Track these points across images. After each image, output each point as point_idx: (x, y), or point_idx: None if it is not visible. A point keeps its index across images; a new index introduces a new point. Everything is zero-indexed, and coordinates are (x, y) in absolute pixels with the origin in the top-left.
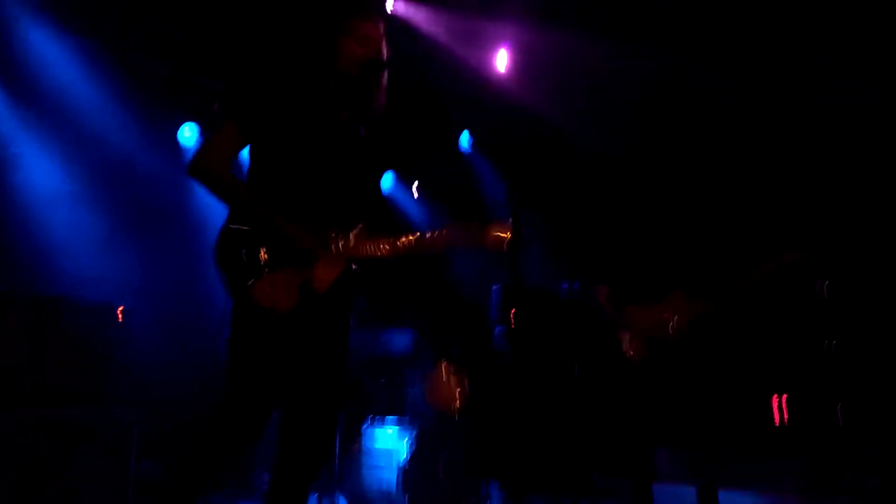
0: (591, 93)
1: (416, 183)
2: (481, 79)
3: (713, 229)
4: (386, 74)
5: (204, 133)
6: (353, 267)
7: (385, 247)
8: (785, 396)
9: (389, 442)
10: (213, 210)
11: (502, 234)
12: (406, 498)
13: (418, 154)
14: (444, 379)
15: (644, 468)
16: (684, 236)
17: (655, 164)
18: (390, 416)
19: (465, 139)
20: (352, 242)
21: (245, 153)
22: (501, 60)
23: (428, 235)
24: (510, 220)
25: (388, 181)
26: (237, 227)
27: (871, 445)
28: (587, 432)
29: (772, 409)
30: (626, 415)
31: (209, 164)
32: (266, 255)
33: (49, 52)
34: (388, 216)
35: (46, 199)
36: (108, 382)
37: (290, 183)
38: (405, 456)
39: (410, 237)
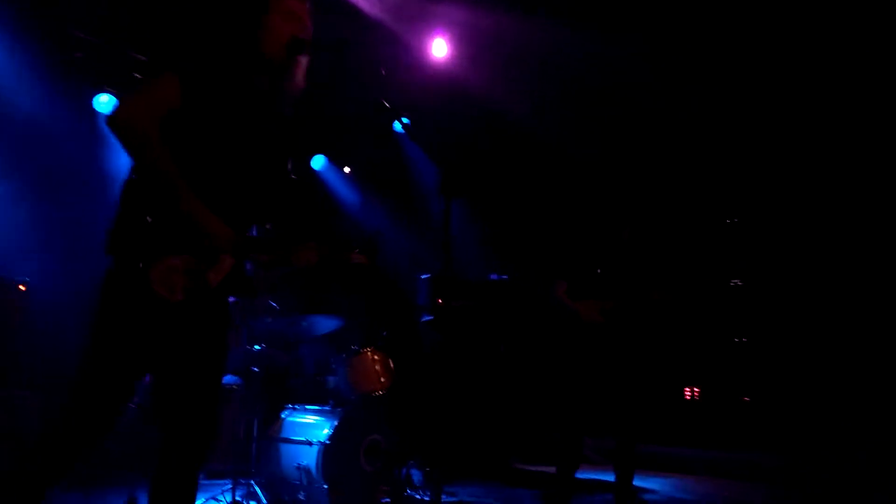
0: (532, 76)
1: (347, 167)
2: (418, 62)
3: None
4: (308, 54)
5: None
6: (240, 266)
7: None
8: (697, 389)
9: (310, 429)
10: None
11: (361, 259)
12: (326, 484)
13: (350, 138)
14: (369, 365)
15: (570, 455)
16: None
17: (597, 150)
18: (311, 405)
19: (398, 124)
20: (249, 241)
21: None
22: (439, 44)
23: (294, 255)
24: (368, 242)
25: (319, 163)
26: (139, 198)
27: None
28: (509, 420)
29: (684, 399)
30: (551, 403)
31: (137, 117)
32: (171, 237)
33: None
34: (316, 199)
35: None
36: (8, 364)
37: (205, 163)
38: (326, 442)
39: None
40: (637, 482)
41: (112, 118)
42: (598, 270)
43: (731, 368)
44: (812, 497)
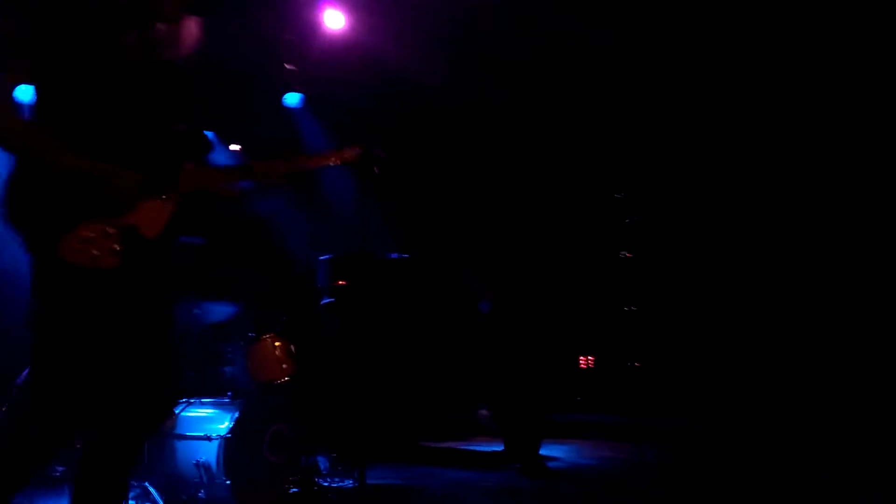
0: (439, 43)
1: (235, 146)
2: (311, 29)
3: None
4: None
5: None
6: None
7: (227, 170)
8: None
9: (208, 423)
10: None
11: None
12: (228, 480)
13: (238, 113)
14: (269, 352)
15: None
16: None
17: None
18: (207, 397)
19: (292, 98)
20: (186, 176)
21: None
22: (333, 15)
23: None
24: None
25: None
26: (28, 173)
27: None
28: (413, 400)
29: (580, 367)
30: (455, 381)
31: None
32: (70, 204)
33: None
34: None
35: None
36: None
37: (88, 120)
38: (226, 436)
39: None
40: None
41: None
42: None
43: (622, 336)
44: (700, 457)
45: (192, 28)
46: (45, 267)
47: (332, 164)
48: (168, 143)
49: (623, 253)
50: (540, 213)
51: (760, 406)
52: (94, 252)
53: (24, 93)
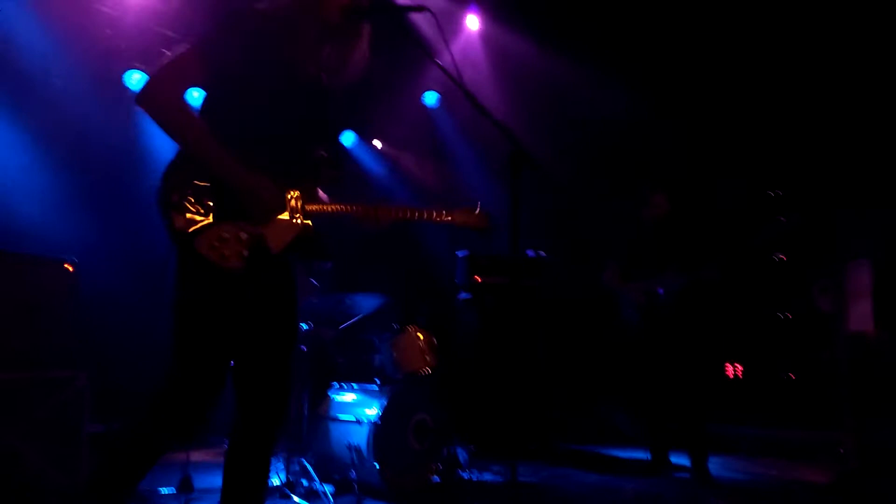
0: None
1: (377, 141)
2: (454, 35)
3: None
4: (368, 23)
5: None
6: (312, 228)
7: (350, 209)
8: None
9: (359, 408)
10: (164, 159)
11: (475, 222)
12: (377, 463)
13: (379, 113)
14: (413, 343)
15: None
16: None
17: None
18: (357, 383)
19: (430, 97)
20: (316, 201)
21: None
22: (472, 19)
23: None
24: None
25: (349, 139)
26: (186, 165)
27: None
28: (549, 400)
29: (726, 376)
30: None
31: (164, 92)
32: (216, 203)
33: None
34: (346, 173)
35: None
36: (58, 342)
37: (248, 130)
38: (376, 422)
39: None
40: (679, 460)
41: (139, 96)
42: (649, 252)
43: (774, 345)
44: (860, 474)
45: (363, 52)
46: (182, 255)
47: (448, 222)
48: (309, 166)
49: (777, 255)
50: (687, 211)
51: None
52: (226, 252)
53: (137, 83)
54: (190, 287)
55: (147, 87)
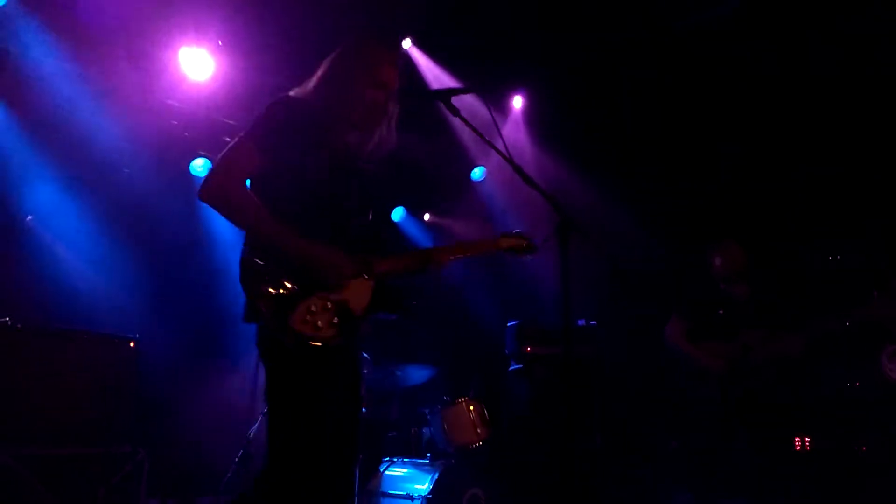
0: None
1: (427, 215)
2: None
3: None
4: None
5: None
6: (383, 283)
7: (409, 255)
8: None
9: (410, 483)
10: (223, 241)
11: (520, 242)
12: None
13: (427, 188)
14: (464, 415)
15: None
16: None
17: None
18: (408, 457)
19: (477, 172)
20: (379, 260)
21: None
22: (517, 100)
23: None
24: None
25: (398, 214)
26: (257, 258)
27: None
28: (602, 471)
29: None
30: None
31: (225, 184)
32: (296, 281)
33: (62, 84)
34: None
35: (58, 231)
36: (120, 417)
37: (302, 208)
38: (427, 496)
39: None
40: None
41: (202, 192)
42: (720, 311)
43: (844, 415)
44: None
45: (389, 138)
46: (279, 336)
47: (499, 250)
48: (362, 231)
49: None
50: (750, 259)
51: None
52: (319, 324)
53: (201, 170)
54: (292, 365)
55: (207, 181)
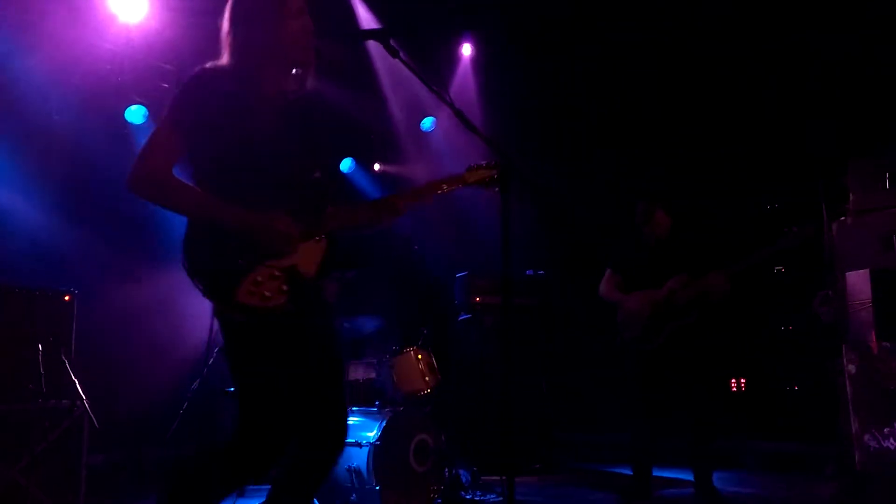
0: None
1: (377, 165)
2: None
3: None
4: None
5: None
6: (334, 242)
7: (366, 204)
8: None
9: (358, 430)
10: None
11: (488, 173)
12: (378, 485)
13: (375, 138)
14: (413, 364)
15: (644, 452)
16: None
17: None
18: (357, 406)
19: (426, 122)
20: (332, 217)
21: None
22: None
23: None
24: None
25: (346, 165)
26: (197, 237)
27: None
28: (549, 418)
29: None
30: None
31: (151, 172)
32: (240, 254)
33: None
34: (339, 192)
35: None
36: (56, 372)
37: (241, 178)
38: (375, 443)
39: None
40: (686, 476)
41: (129, 184)
42: (647, 262)
43: (776, 358)
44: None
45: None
46: (227, 311)
47: (466, 185)
48: (310, 190)
49: (777, 268)
50: (690, 226)
51: None
52: (266, 293)
53: (135, 114)
54: (244, 337)
55: (133, 172)
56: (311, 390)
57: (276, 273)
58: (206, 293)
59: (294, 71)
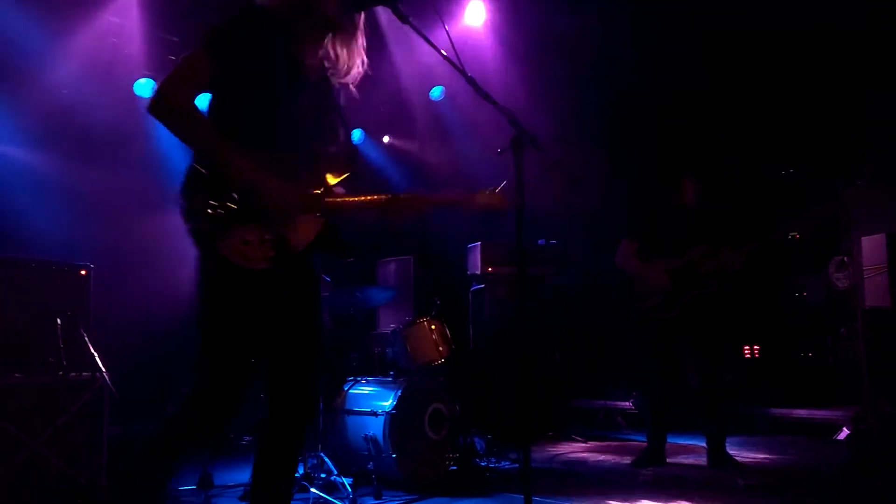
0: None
1: (386, 137)
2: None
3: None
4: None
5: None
6: (332, 224)
7: (371, 200)
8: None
9: (374, 400)
10: (176, 163)
11: (497, 203)
12: (394, 453)
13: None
14: (426, 334)
15: (658, 419)
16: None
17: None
18: (372, 376)
19: (435, 91)
20: (336, 199)
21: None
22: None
23: (421, 196)
24: (503, 187)
25: (356, 136)
26: (205, 171)
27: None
28: (562, 388)
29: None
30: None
31: (177, 99)
32: (238, 207)
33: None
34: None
35: (4, 161)
36: (76, 346)
37: (259, 130)
38: (391, 412)
39: (401, 196)
40: (699, 442)
41: (150, 105)
42: (669, 229)
43: (791, 325)
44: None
45: (361, 44)
46: (206, 259)
47: (475, 209)
48: (324, 163)
49: (792, 234)
50: (703, 192)
51: None
52: (249, 255)
53: (145, 88)
54: (215, 290)
55: (157, 96)
56: (275, 361)
57: (267, 237)
58: (191, 235)
59: (328, 37)
